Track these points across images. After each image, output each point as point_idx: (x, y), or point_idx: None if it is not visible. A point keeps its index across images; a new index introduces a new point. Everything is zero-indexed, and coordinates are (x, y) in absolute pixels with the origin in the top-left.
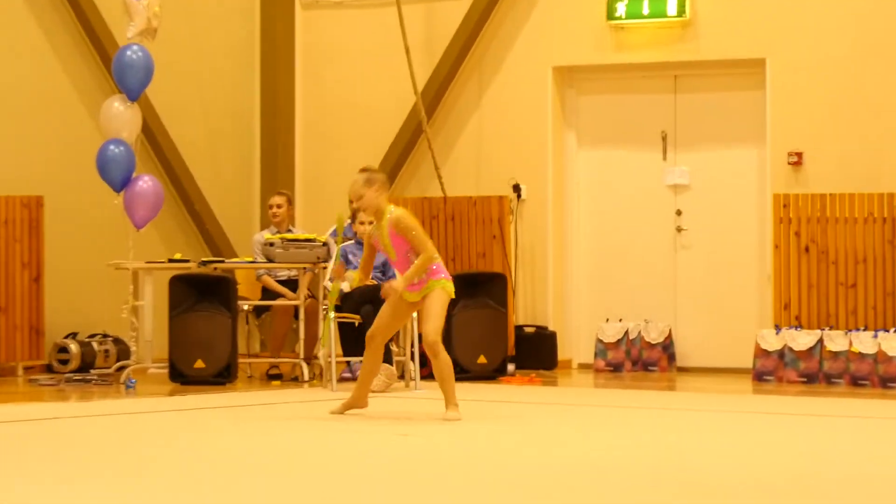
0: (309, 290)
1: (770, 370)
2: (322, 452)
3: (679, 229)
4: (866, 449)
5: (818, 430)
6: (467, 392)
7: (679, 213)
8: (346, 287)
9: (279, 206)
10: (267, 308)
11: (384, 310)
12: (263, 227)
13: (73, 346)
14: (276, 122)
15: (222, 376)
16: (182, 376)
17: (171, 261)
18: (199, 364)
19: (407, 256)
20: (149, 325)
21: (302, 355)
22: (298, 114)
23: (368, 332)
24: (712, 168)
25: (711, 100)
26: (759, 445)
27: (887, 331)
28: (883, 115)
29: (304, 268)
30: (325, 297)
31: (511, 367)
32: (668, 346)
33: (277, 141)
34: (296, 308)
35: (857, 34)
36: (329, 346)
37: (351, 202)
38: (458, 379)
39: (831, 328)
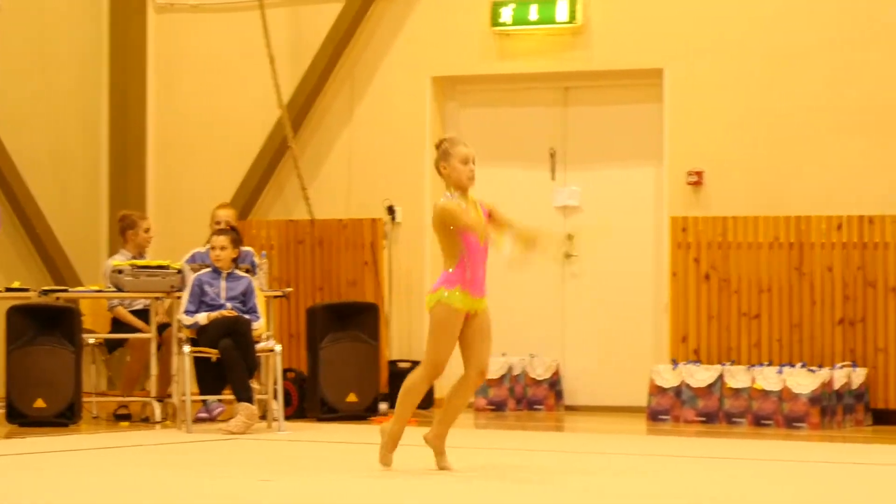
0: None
1: (666, 409)
2: (170, 500)
3: (568, 255)
4: (770, 495)
5: (717, 475)
6: (334, 433)
7: (569, 237)
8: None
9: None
10: (121, 342)
11: None
12: (112, 251)
13: None
14: (126, 136)
15: (65, 416)
16: (21, 416)
17: (8, 290)
18: (40, 403)
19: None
20: None
21: (154, 394)
22: (151, 127)
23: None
24: (605, 188)
25: (604, 114)
26: (654, 491)
27: (793, 366)
28: (791, 133)
29: (157, 297)
30: (179, 330)
31: (384, 405)
32: (555, 383)
33: (128, 157)
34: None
35: (763, 42)
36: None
37: (218, 223)
38: (324, 419)
39: (732, 363)
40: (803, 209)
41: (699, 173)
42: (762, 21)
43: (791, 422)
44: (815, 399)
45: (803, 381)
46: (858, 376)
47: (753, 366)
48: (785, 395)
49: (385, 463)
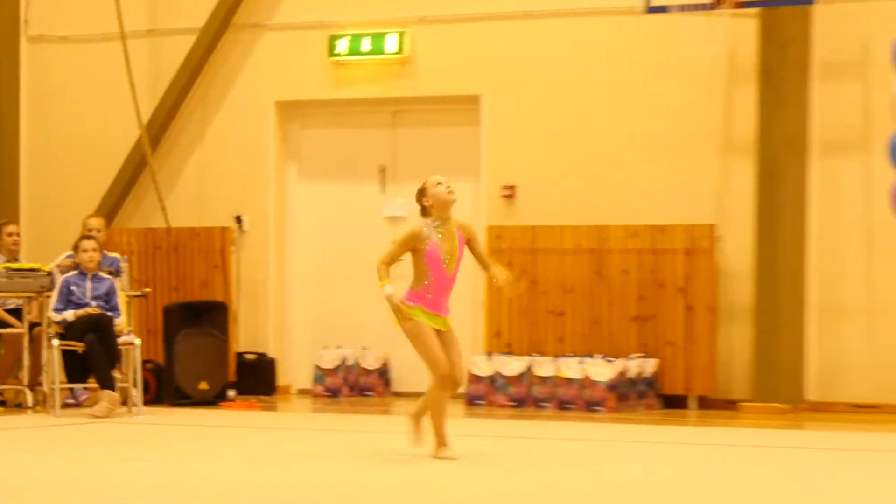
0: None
1: (482, 395)
2: (42, 480)
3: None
4: (570, 470)
5: (525, 452)
6: (187, 417)
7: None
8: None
9: (18, 234)
10: None
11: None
12: None
13: None
14: (0, 155)
15: None
16: None
17: None
18: None
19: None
20: None
21: (26, 382)
22: (24, 147)
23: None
24: None
25: (428, 134)
26: (475, 467)
27: (593, 357)
28: (591, 153)
29: (29, 297)
30: (48, 326)
31: (232, 392)
32: (384, 372)
33: (2, 173)
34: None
35: (568, 74)
36: None
37: (89, 230)
38: (178, 405)
39: (540, 355)
40: (603, 219)
41: (512, 188)
42: (567, 55)
43: (591, 406)
44: (612, 386)
45: (602, 371)
46: (650, 366)
47: (558, 357)
48: (586, 382)
49: (451, 458)
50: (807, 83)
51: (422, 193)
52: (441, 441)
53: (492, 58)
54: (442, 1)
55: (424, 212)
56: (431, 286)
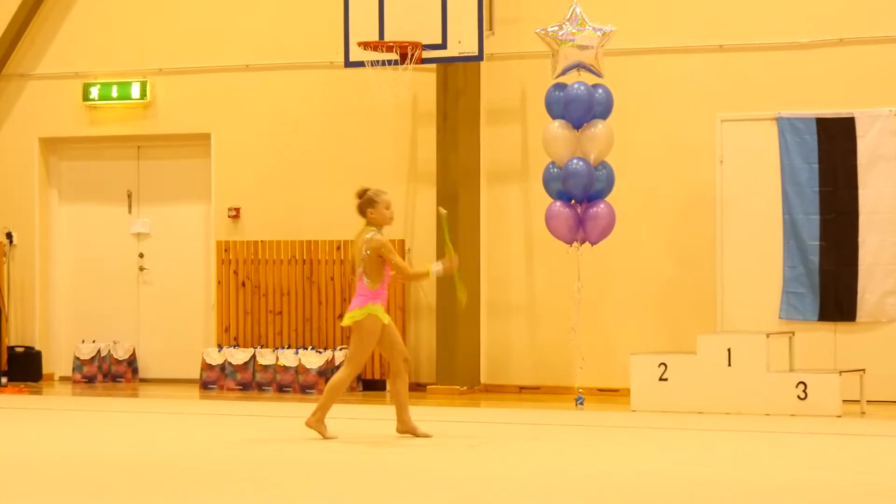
0: None
1: (214, 380)
2: None
3: (141, 268)
4: (287, 442)
5: (252, 426)
6: None
7: (142, 255)
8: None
9: None
10: None
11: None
12: None
13: None
14: None
15: None
16: None
17: None
18: None
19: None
20: None
21: None
22: None
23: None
24: (169, 220)
25: (168, 165)
26: (201, 434)
27: (306, 348)
28: (302, 179)
29: None
30: None
31: (4, 379)
32: (132, 362)
33: None
34: None
35: (285, 114)
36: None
37: None
38: None
39: (262, 346)
40: (313, 235)
41: (237, 209)
42: (282, 100)
43: (305, 388)
44: (321, 372)
45: (313, 360)
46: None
47: (278, 349)
48: (300, 369)
49: (329, 436)
50: (477, 125)
51: (371, 205)
52: (323, 417)
53: (219, 102)
54: (177, 55)
55: (366, 216)
56: (385, 283)
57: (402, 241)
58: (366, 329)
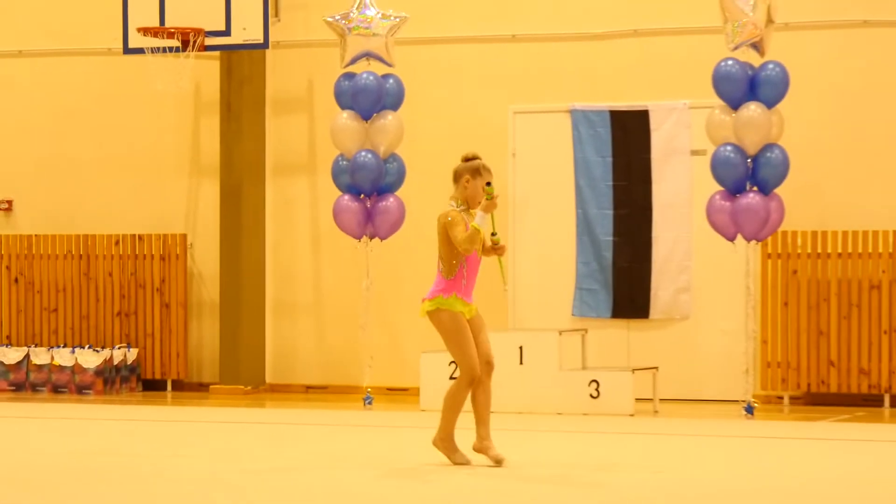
0: None
1: None
2: None
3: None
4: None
5: (19, 429)
6: None
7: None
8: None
9: None
10: None
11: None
12: None
13: None
14: None
15: None
16: None
17: None
18: None
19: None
20: None
21: None
22: None
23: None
24: None
25: None
26: None
27: (83, 347)
28: (80, 172)
29: None
30: None
31: None
32: None
33: None
34: None
35: (61, 104)
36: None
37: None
38: None
39: (37, 345)
40: (90, 229)
41: (9, 201)
42: (57, 90)
43: (81, 389)
44: (99, 372)
45: (90, 359)
46: (132, 355)
47: (53, 347)
48: (77, 369)
49: (461, 462)
50: (262, 115)
51: (472, 173)
52: (448, 435)
53: None
54: None
55: (457, 185)
56: (465, 270)
57: (185, 236)
58: (444, 325)
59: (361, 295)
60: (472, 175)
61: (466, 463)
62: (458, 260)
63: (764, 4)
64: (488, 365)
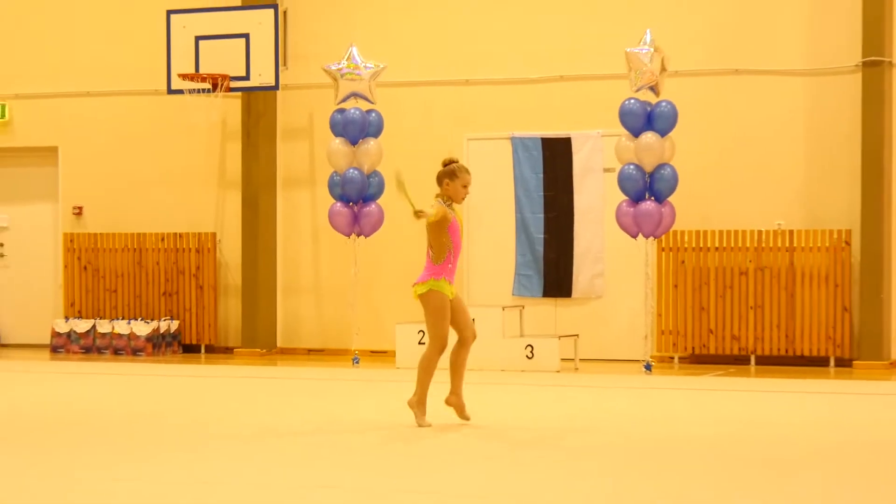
0: None
1: (62, 345)
2: None
3: (1, 255)
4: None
5: (98, 381)
6: None
7: (1, 244)
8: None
9: None
10: None
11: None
12: None
13: None
14: None
15: None
16: None
17: None
18: None
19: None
20: None
21: None
22: None
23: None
24: (24, 216)
25: (22, 173)
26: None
27: (136, 319)
28: (136, 185)
29: None
30: None
31: None
32: None
33: None
34: None
35: (125, 131)
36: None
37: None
38: None
39: (101, 318)
40: (142, 229)
41: (80, 208)
42: (121, 122)
43: (135, 352)
44: (149, 338)
45: (142, 328)
46: (175, 325)
47: (113, 319)
48: (132, 336)
49: (425, 425)
50: (274, 141)
51: (450, 176)
52: (421, 399)
53: (65, 121)
54: (31, 83)
55: (441, 186)
56: (452, 255)
57: (215, 234)
58: (432, 305)
59: (351, 279)
60: (450, 178)
61: (427, 426)
62: (446, 247)
63: (659, 57)
64: (473, 336)
